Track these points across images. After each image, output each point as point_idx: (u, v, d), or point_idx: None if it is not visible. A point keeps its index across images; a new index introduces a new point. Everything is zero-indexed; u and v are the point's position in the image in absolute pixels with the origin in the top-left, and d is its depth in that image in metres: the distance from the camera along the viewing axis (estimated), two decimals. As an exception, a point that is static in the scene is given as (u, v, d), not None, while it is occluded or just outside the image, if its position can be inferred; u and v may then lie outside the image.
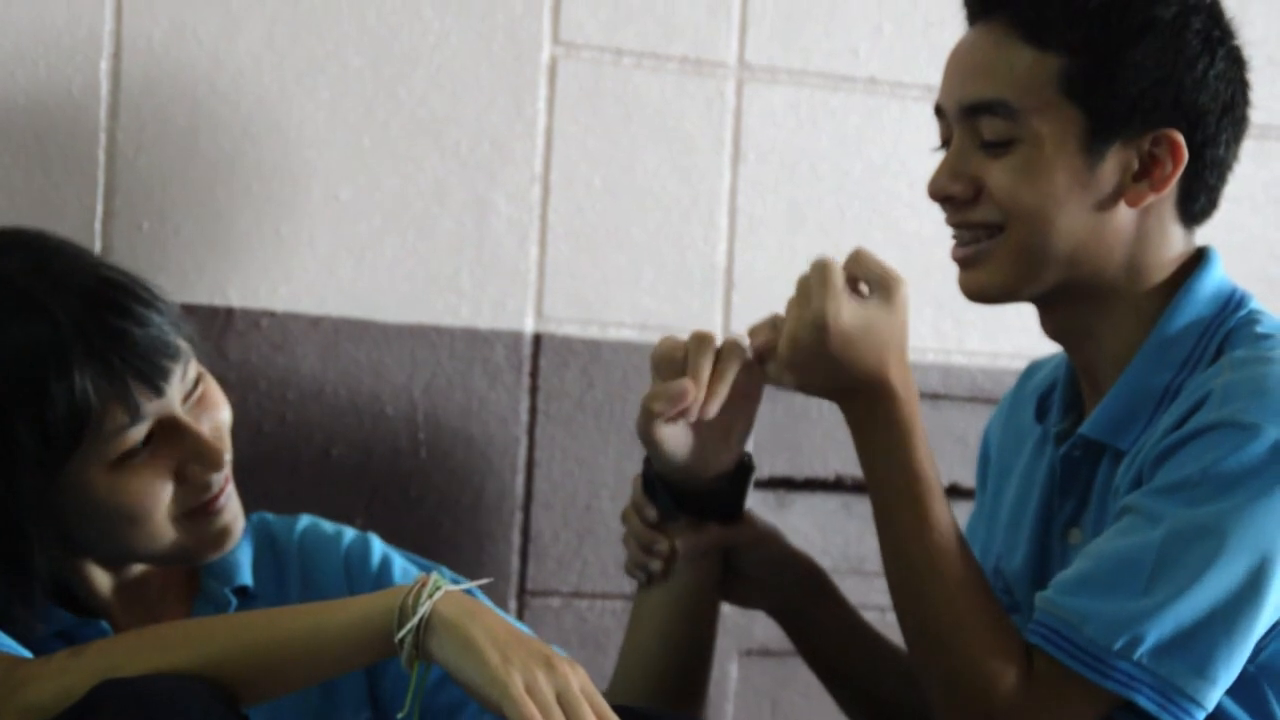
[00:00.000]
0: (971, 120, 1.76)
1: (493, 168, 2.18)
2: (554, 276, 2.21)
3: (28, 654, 1.58)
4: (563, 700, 1.46)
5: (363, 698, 1.80)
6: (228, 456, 1.70)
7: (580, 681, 1.48)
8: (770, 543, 1.93)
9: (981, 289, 1.78)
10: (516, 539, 2.20)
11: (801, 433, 2.32)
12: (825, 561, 2.32)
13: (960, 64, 1.78)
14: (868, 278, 1.74)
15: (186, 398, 1.69)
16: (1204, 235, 2.49)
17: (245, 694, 1.51)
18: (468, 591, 1.54)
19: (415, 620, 1.48)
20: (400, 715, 1.53)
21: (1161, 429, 1.72)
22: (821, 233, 2.32)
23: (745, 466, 1.85)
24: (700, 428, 1.80)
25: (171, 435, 1.67)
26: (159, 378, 1.65)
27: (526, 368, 2.19)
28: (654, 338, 2.23)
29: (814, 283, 1.73)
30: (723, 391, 1.77)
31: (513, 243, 2.19)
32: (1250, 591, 1.65)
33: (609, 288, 2.23)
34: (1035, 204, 1.74)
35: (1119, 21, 1.73)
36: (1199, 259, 1.81)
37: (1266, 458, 1.65)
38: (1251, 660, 1.69)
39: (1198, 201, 1.79)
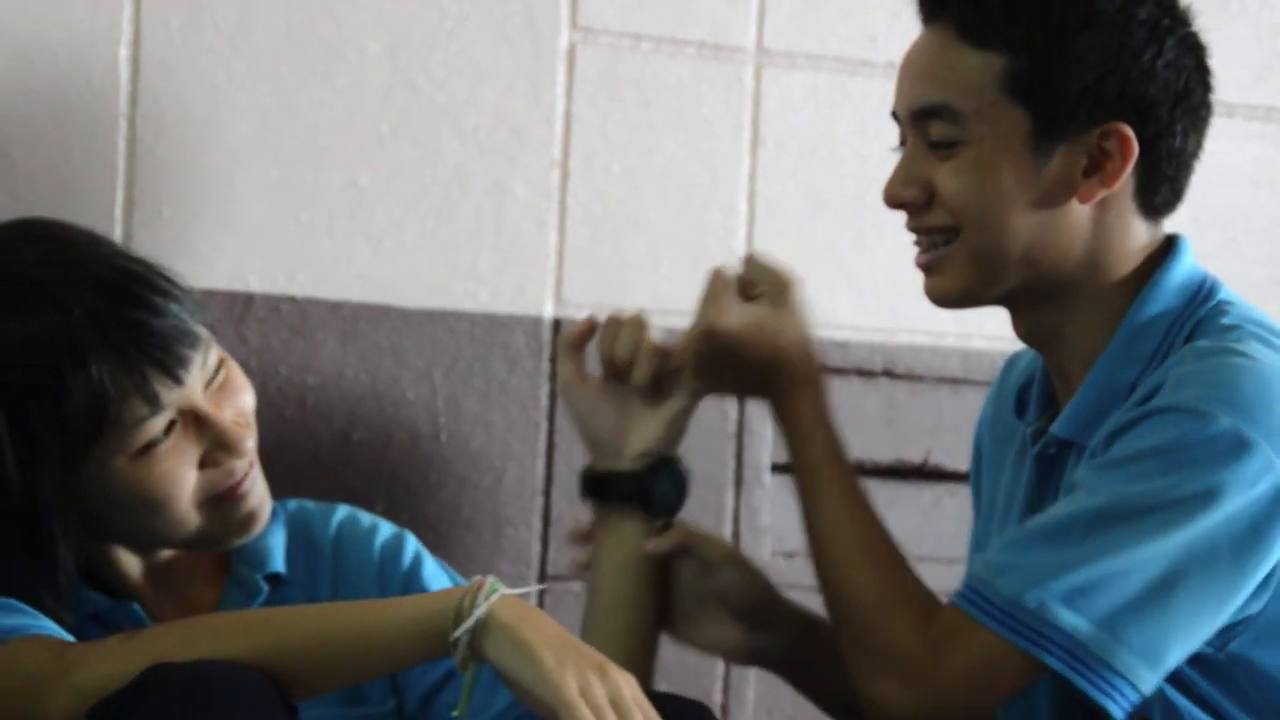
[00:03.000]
0: (921, 124, 1.75)
1: (511, 153, 2.18)
2: (573, 261, 2.21)
3: (71, 639, 1.59)
4: (615, 706, 1.47)
5: (388, 688, 1.81)
6: (251, 442, 1.71)
7: (631, 690, 1.49)
8: (746, 570, 1.94)
9: (943, 294, 1.78)
10: (537, 523, 2.20)
11: (821, 417, 2.32)
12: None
13: (908, 69, 1.78)
14: (758, 280, 1.81)
15: (208, 384, 1.69)
16: (1222, 221, 2.50)
17: (295, 687, 1.52)
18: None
19: (471, 621, 1.49)
20: (454, 714, 1.54)
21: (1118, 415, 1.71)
22: (840, 217, 2.32)
23: (667, 459, 1.87)
24: (624, 398, 1.86)
25: (193, 423, 1.67)
26: (178, 367, 1.65)
27: (546, 353, 2.20)
28: (673, 323, 2.24)
29: (704, 293, 1.82)
30: (643, 361, 1.86)
31: (531, 228, 2.19)
32: (1182, 571, 1.62)
33: (628, 273, 2.24)
34: (983, 205, 1.73)
35: (1058, 18, 1.71)
36: (1167, 250, 1.78)
37: (1215, 443, 1.62)
38: (1220, 649, 1.67)
39: (1158, 193, 1.76)
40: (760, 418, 2.28)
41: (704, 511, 2.21)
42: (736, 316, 1.81)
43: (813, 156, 2.32)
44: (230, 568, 1.79)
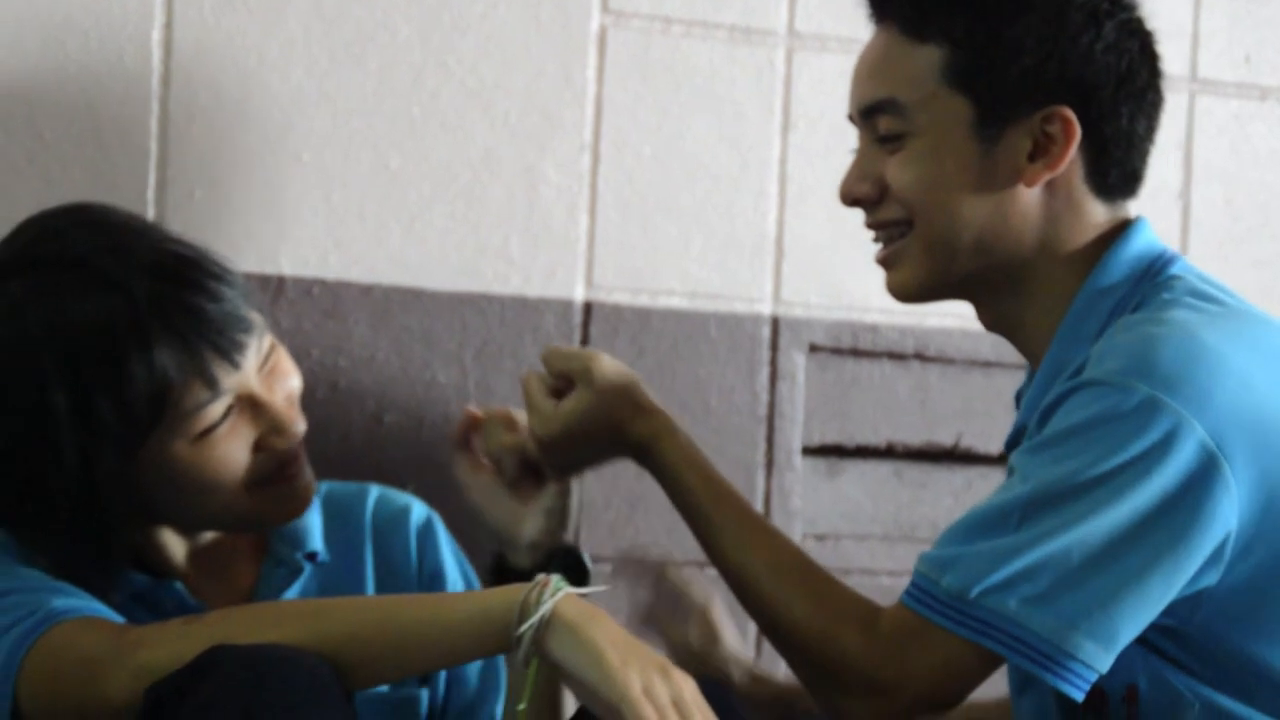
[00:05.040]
0: (870, 121, 1.79)
1: (542, 137, 2.18)
2: (604, 245, 2.21)
3: (121, 620, 1.59)
4: (678, 707, 1.48)
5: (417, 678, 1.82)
6: (302, 426, 1.72)
7: (692, 692, 1.50)
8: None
9: (902, 288, 1.80)
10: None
11: (852, 400, 2.32)
12: (875, 529, 2.33)
13: (857, 69, 1.82)
14: (562, 371, 1.85)
15: (259, 369, 1.70)
16: (1257, 203, 2.49)
17: (354, 675, 1.52)
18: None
19: (536, 618, 1.49)
20: (520, 707, 1.55)
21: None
22: (871, 201, 2.32)
23: (558, 550, 1.87)
24: (511, 490, 1.89)
25: (248, 408, 1.68)
26: (236, 352, 1.66)
27: (577, 336, 2.20)
28: (704, 306, 2.25)
29: (525, 403, 1.86)
30: (506, 460, 1.88)
31: (562, 211, 2.19)
32: (1122, 546, 1.61)
33: (659, 256, 2.24)
34: (930, 195, 1.75)
35: (993, 5, 1.74)
36: (1122, 231, 1.78)
37: (1135, 415, 1.61)
38: (1188, 622, 1.66)
39: (1109, 175, 1.77)
40: (792, 401, 2.28)
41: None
42: (557, 421, 1.83)
43: (843, 140, 2.29)
44: (268, 547, 1.80)
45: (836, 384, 2.30)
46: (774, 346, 2.27)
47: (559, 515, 1.88)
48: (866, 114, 1.79)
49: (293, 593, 1.79)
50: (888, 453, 2.34)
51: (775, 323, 2.28)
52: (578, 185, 2.20)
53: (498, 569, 1.89)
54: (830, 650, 1.69)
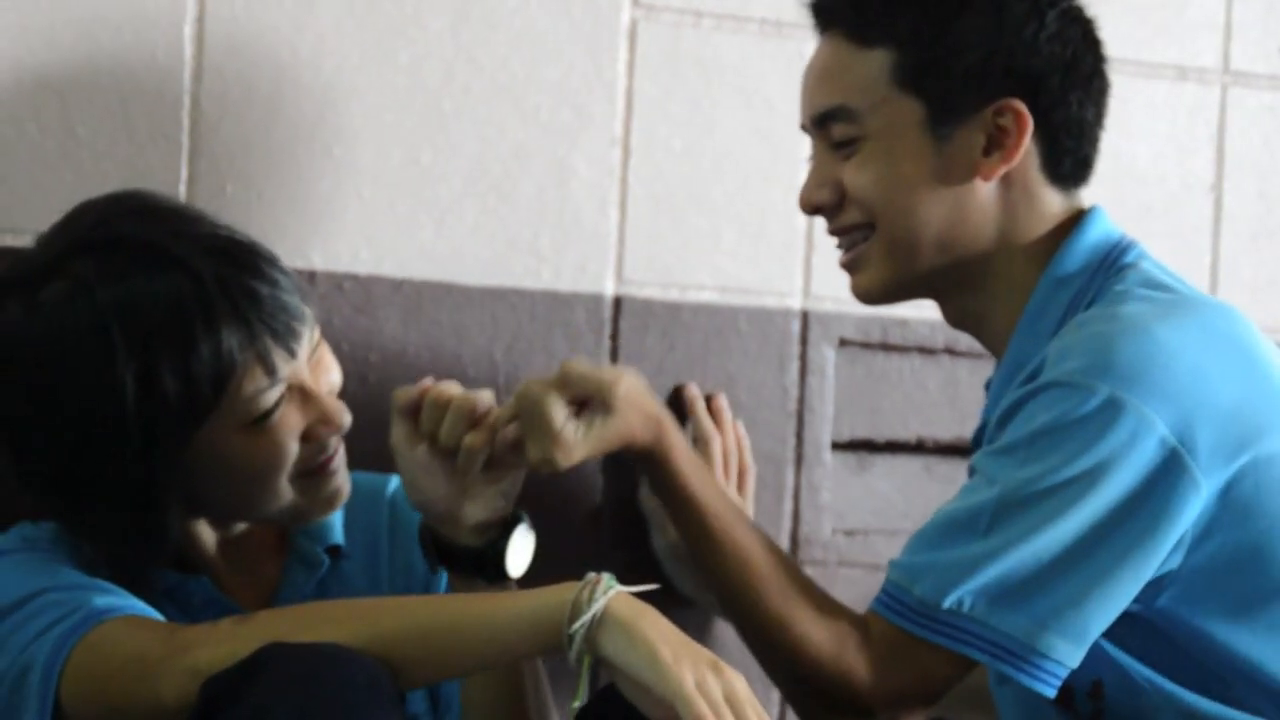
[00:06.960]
0: (823, 129, 1.81)
1: (573, 131, 2.18)
2: (634, 239, 2.21)
3: (162, 618, 1.60)
4: (730, 702, 1.49)
5: (423, 691, 1.83)
6: (348, 417, 1.72)
7: (743, 688, 1.51)
8: None
9: (867, 290, 1.83)
10: (598, 501, 2.20)
11: (882, 395, 2.31)
12: (905, 524, 2.33)
13: (806, 79, 1.84)
14: (582, 391, 1.74)
15: (308, 360, 1.71)
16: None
17: (406, 674, 1.53)
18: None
19: (588, 616, 1.50)
20: (574, 705, 1.55)
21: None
22: (902, 195, 2.31)
23: (510, 522, 1.80)
24: (459, 475, 1.76)
25: (298, 398, 1.69)
26: (293, 340, 1.67)
27: (607, 330, 2.20)
28: (735, 300, 2.25)
29: (532, 427, 1.73)
30: (466, 456, 1.75)
31: (593, 206, 2.19)
32: (1091, 546, 1.64)
33: (689, 250, 2.24)
34: (889, 195, 1.77)
35: (936, 5, 1.76)
36: (1076, 221, 1.80)
37: (1097, 416, 1.63)
38: (1149, 607, 1.68)
39: (1062, 164, 1.79)
40: (821, 395, 2.28)
41: (765, 490, 2.22)
42: (579, 450, 1.73)
43: (874, 134, 2.30)
44: (290, 542, 1.81)
45: (866, 378, 2.30)
46: (804, 341, 2.27)
47: (514, 493, 1.81)
48: (819, 122, 1.82)
49: (315, 586, 1.80)
50: (917, 448, 2.33)
51: (805, 317, 2.28)
52: (608, 179, 2.20)
53: (439, 548, 1.79)
54: (831, 676, 1.71)
